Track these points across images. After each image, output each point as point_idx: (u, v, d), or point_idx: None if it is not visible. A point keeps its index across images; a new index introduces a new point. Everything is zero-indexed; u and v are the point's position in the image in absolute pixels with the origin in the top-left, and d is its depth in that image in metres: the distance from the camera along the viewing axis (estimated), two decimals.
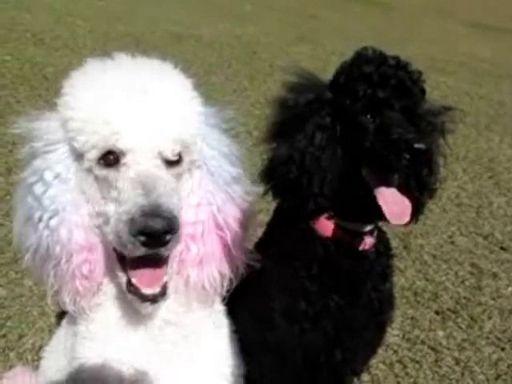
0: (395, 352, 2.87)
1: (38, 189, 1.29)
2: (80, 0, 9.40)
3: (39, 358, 1.99)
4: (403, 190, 1.69)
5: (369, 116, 1.64)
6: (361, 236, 1.78)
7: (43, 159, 1.31)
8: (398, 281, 3.44)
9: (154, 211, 1.13)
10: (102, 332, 1.41)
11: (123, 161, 1.22)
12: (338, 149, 1.70)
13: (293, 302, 1.78)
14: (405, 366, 2.79)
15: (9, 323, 2.64)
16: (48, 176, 1.30)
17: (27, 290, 2.84)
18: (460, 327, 3.15)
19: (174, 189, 1.25)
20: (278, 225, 1.94)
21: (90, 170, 1.28)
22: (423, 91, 1.71)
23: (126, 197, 1.17)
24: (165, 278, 1.29)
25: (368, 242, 1.80)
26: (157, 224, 1.12)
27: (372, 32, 11.19)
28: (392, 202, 1.64)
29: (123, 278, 1.30)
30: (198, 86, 1.45)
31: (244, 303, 1.88)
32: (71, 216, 1.30)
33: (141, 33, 7.95)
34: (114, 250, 1.30)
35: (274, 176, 1.75)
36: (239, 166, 1.52)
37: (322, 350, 1.82)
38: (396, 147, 1.54)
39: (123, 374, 1.39)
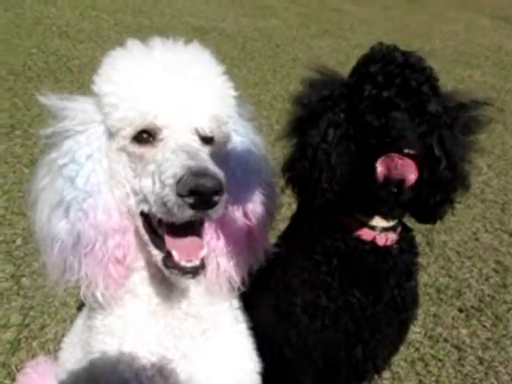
0: (417, 349, 2.84)
1: (71, 170, 1.26)
2: None
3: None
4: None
5: (375, 115, 1.62)
6: (383, 232, 1.76)
7: (75, 140, 1.29)
8: (421, 277, 3.38)
9: (202, 171, 1.11)
10: (120, 326, 1.39)
11: (160, 136, 1.22)
12: (351, 145, 1.70)
13: (314, 297, 1.77)
14: (427, 364, 2.76)
15: (32, 313, 2.68)
16: (81, 157, 1.27)
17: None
18: (484, 326, 3.09)
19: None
20: (301, 219, 1.93)
21: (123, 149, 1.26)
22: (434, 88, 1.67)
23: (168, 164, 1.14)
24: (204, 251, 1.25)
25: (390, 238, 1.78)
26: (207, 182, 1.09)
27: (396, 25, 11.05)
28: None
29: (158, 256, 1.27)
30: None
31: (266, 298, 1.88)
32: (106, 198, 1.28)
33: (164, 26, 7.97)
34: (148, 226, 1.28)
35: (290, 170, 1.77)
36: (265, 154, 1.51)
37: (343, 346, 1.81)
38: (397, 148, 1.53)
39: (140, 368, 1.38)
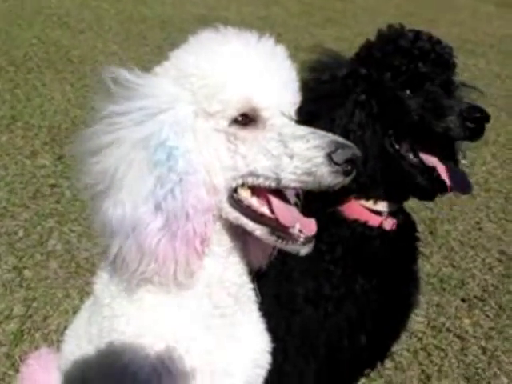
0: (420, 339, 2.83)
1: (170, 148, 1.25)
2: None
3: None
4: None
5: (408, 91, 1.63)
6: (389, 216, 1.77)
7: (162, 119, 1.26)
8: (424, 267, 3.39)
9: (346, 144, 1.24)
10: (151, 308, 1.38)
11: (261, 118, 1.28)
12: (377, 126, 1.69)
13: (316, 286, 1.77)
14: (429, 354, 2.75)
15: (34, 304, 2.68)
16: (176, 135, 1.26)
17: (52, 272, 2.88)
18: (487, 315, 3.08)
19: None
20: (306, 210, 1.92)
21: (220, 130, 1.28)
22: (455, 65, 1.72)
23: (303, 140, 1.24)
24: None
25: (391, 222, 1.78)
26: (356, 151, 1.23)
27: (400, 13, 10.96)
28: (452, 176, 1.66)
29: (263, 230, 1.31)
30: None
31: (268, 287, 1.87)
32: (202, 176, 1.29)
33: (166, 15, 7.92)
34: (239, 203, 1.32)
35: None
36: None
37: (347, 334, 1.81)
38: (460, 121, 1.56)
39: (164, 353, 1.36)
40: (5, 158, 3.86)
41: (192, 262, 1.32)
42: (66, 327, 2.43)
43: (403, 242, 1.83)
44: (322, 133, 1.27)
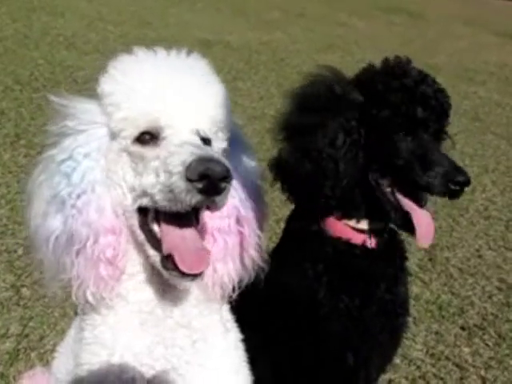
0: (418, 367, 2.80)
1: (68, 166, 1.29)
2: (111, 5, 9.55)
3: None
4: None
5: (402, 133, 1.65)
6: (368, 234, 1.77)
7: (75, 138, 1.31)
8: (423, 294, 3.38)
9: (210, 157, 1.15)
10: (110, 336, 1.37)
11: (162, 136, 1.25)
12: (360, 154, 1.69)
13: (300, 305, 1.77)
14: (428, 383, 2.72)
15: (31, 323, 2.66)
16: (79, 154, 1.29)
17: (50, 291, 2.86)
18: (487, 344, 3.06)
19: None
20: (289, 229, 1.92)
21: (124, 149, 1.28)
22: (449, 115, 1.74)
23: (175, 155, 1.18)
24: (207, 266, 1.27)
25: (379, 240, 1.79)
26: (216, 167, 1.13)
27: (401, 40, 11.10)
28: (425, 224, 1.70)
29: (156, 257, 1.28)
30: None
31: (253, 305, 1.86)
32: (100, 196, 1.29)
33: (170, 38, 8.02)
34: (144, 225, 1.30)
35: (283, 169, 1.75)
36: (257, 162, 1.53)
37: (333, 353, 1.79)
38: (444, 181, 1.59)
39: (129, 380, 1.36)
40: (7, 175, 3.87)
41: (97, 285, 1.30)
42: None
43: (388, 261, 1.83)
44: (201, 148, 1.19)
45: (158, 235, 1.29)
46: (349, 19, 12.83)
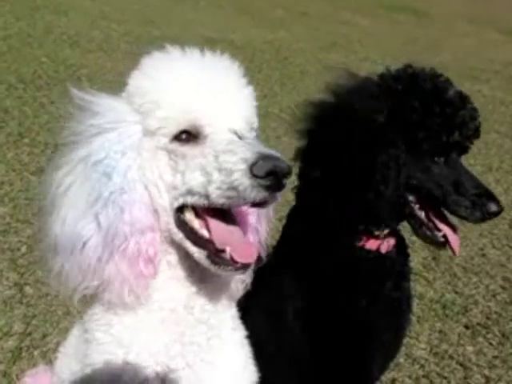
0: (422, 366, 2.79)
1: (107, 166, 1.26)
2: (115, 4, 9.55)
3: None
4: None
5: (436, 158, 1.66)
6: (384, 239, 1.77)
7: (106, 137, 1.28)
8: (427, 293, 3.37)
9: (273, 155, 1.16)
10: (128, 335, 1.37)
11: (204, 134, 1.26)
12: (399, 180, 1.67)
13: (305, 304, 1.78)
14: (431, 382, 2.72)
15: (34, 321, 2.67)
16: (116, 153, 1.27)
17: (53, 289, 2.87)
18: (491, 343, 3.05)
19: None
20: (293, 228, 1.91)
21: (163, 147, 1.28)
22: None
23: (231, 153, 1.18)
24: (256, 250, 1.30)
25: (391, 243, 1.80)
26: (282, 164, 1.14)
27: (405, 38, 11.07)
28: (456, 238, 1.74)
29: (201, 254, 1.27)
30: None
31: (258, 304, 1.86)
32: (141, 195, 1.29)
33: (174, 36, 8.01)
34: (181, 224, 1.29)
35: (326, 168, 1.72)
36: None
37: (338, 353, 1.80)
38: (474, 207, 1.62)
39: (144, 378, 1.36)
40: (11, 173, 3.88)
41: (137, 283, 1.29)
42: None
43: (394, 259, 1.84)
44: (255, 146, 1.21)
45: (200, 232, 1.29)
46: (352, 18, 12.79)
